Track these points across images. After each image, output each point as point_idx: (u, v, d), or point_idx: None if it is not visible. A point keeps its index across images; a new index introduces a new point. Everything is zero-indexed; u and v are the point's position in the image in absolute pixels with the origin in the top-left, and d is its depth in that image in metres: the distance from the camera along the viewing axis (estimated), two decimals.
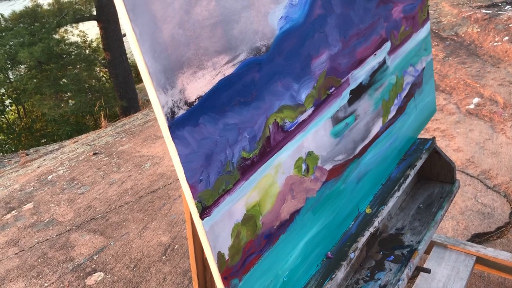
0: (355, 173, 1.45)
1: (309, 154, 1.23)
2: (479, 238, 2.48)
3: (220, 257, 0.99)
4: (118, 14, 0.77)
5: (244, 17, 1.00)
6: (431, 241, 2.05)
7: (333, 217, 1.35)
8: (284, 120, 1.13)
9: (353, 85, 1.39)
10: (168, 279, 2.60)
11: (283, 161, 1.14)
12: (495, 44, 5.01)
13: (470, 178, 2.97)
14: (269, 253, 1.12)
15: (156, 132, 4.86)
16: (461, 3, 6.32)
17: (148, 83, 0.82)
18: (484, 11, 5.81)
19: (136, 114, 6.89)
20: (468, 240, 2.46)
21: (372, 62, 1.49)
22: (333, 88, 1.30)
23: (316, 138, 1.25)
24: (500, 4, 6.01)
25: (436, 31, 5.65)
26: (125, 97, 10.17)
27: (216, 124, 0.96)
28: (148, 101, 10.91)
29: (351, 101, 1.39)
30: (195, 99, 0.90)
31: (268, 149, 1.09)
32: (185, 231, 3.02)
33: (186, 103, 0.88)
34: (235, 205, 1.01)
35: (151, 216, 3.27)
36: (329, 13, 1.26)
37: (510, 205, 2.68)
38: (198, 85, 0.91)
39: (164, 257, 2.80)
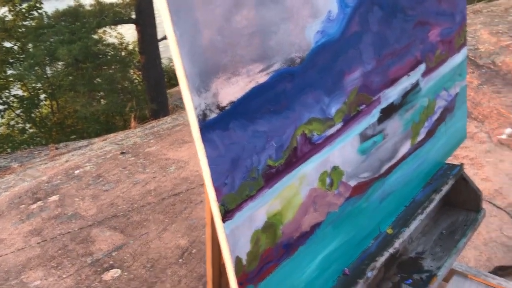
0: (379, 192, 1.44)
1: (335, 168, 1.23)
2: (501, 271, 2.41)
3: (237, 261, 1.00)
4: (161, 16, 0.80)
5: (282, 29, 1.02)
6: (451, 269, 2.01)
7: (353, 234, 1.35)
8: (312, 132, 1.14)
9: (384, 104, 1.39)
10: (183, 282, 2.62)
11: (308, 173, 1.14)
12: None
13: (496, 209, 2.90)
14: (286, 263, 1.12)
15: (184, 137, 4.92)
16: (501, 32, 6.23)
17: (183, 85, 0.84)
18: None
19: (166, 117, 6.98)
20: (490, 272, 2.40)
21: (405, 83, 1.48)
22: (363, 105, 1.30)
23: (343, 153, 1.25)
24: None
25: (473, 58, 5.57)
26: (155, 100, 10.35)
27: (245, 130, 0.97)
28: (177, 106, 11.05)
29: (380, 120, 1.39)
30: (227, 104, 0.92)
31: (294, 159, 1.10)
32: (203, 236, 3.03)
33: (218, 107, 0.91)
34: (257, 212, 1.02)
35: (172, 218, 3.30)
36: (365, 31, 1.27)
37: None
38: (231, 90, 0.93)
39: (180, 260, 2.82)
